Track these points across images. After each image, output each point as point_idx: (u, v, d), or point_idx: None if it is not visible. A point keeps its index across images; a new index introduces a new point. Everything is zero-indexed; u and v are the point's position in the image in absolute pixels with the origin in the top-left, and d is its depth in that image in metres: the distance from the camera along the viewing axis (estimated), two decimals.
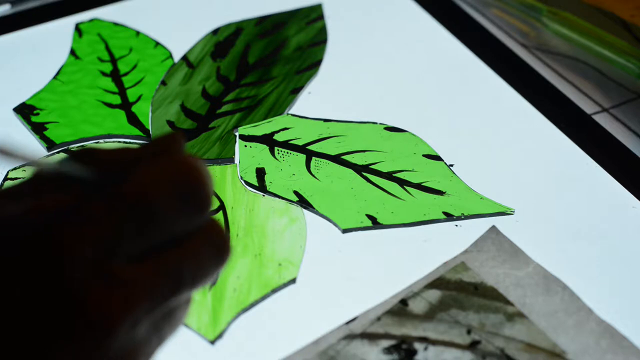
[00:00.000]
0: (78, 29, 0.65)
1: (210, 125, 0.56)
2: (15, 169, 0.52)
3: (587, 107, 0.59)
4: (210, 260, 0.28)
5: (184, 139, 0.30)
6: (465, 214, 0.49)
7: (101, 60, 0.61)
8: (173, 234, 0.27)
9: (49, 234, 0.24)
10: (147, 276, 0.25)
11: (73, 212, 0.25)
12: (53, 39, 0.64)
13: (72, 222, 0.24)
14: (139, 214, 0.25)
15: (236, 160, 0.53)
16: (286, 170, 0.52)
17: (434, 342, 0.42)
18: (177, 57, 0.62)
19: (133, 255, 0.25)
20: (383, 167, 0.52)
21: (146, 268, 0.26)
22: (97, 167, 0.27)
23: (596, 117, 0.58)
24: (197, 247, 0.27)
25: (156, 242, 0.26)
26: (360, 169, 0.52)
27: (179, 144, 0.29)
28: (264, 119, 0.56)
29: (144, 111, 0.57)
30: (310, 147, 0.54)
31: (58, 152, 0.53)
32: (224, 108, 0.57)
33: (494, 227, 0.48)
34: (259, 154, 0.53)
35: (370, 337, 0.42)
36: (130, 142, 0.54)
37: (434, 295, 0.44)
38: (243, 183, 0.51)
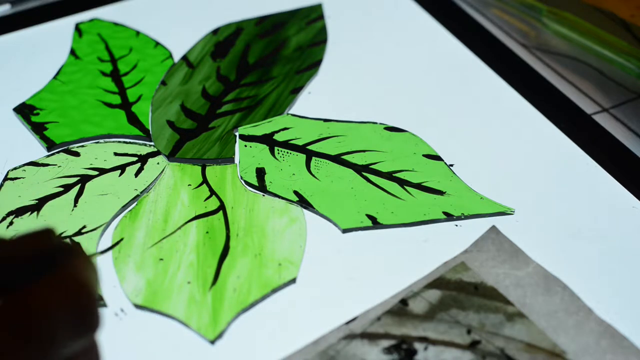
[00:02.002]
0: (78, 29, 0.65)
1: (210, 125, 0.56)
2: (15, 168, 0.52)
3: (587, 107, 0.59)
4: None
5: (56, 235, 0.28)
6: (465, 214, 0.49)
7: (101, 60, 0.61)
8: (63, 354, 0.26)
9: None
10: None
11: None
12: (53, 39, 0.64)
13: None
14: (31, 334, 0.24)
15: (236, 160, 0.53)
16: (286, 170, 0.52)
17: (434, 342, 0.42)
18: (177, 57, 0.62)
19: None
20: (383, 167, 0.52)
21: None
22: None
23: (596, 117, 0.58)
24: None
25: None
26: (360, 169, 0.52)
27: (53, 243, 0.28)
28: (264, 119, 0.56)
29: (144, 111, 0.57)
30: (310, 147, 0.54)
31: (58, 152, 0.53)
32: (224, 108, 0.57)
33: (494, 227, 0.48)
34: (259, 153, 0.53)
35: (370, 337, 0.42)
36: (130, 142, 0.54)
37: (434, 295, 0.44)
38: (243, 183, 0.51)
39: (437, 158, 0.53)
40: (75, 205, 0.49)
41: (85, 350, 0.27)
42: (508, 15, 0.68)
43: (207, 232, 0.48)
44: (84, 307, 0.26)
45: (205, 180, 0.52)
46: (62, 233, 0.48)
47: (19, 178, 0.51)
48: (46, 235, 0.28)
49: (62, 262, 0.27)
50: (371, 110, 0.57)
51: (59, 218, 0.49)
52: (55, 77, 0.60)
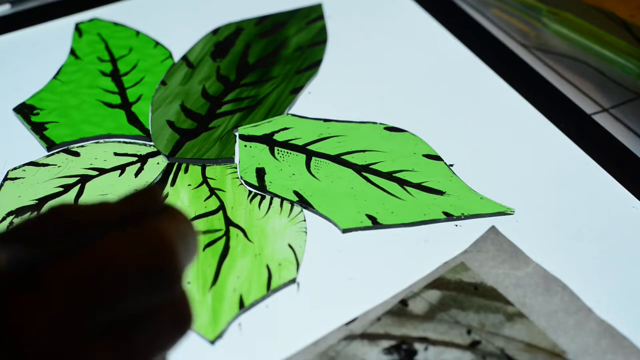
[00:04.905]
0: (78, 29, 0.65)
1: (210, 125, 0.56)
2: (15, 168, 0.52)
3: (587, 107, 0.59)
4: (170, 338, 0.27)
5: (162, 194, 0.29)
6: (465, 214, 0.49)
7: (101, 60, 0.61)
8: (137, 307, 0.26)
9: (7, 301, 0.23)
10: (105, 353, 0.24)
11: (34, 277, 0.24)
12: (53, 39, 0.64)
13: (33, 289, 0.24)
14: (101, 286, 0.24)
15: (236, 160, 0.53)
16: (286, 170, 0.52)
17: (434, 343, 0.42)
18: (177, 57, 0.62)
19: (93, 327, 0.24)
20: (383, 167, 0.52)
21: (104, 345, 0.25)
22: (63, 228, 0.26)
23: (596, 117, 0.58)
24: (160, 325, 0.26)
25: (118, 314, 0.25)
26: (360, 169, 0.52)
27: (157, 202, 0.28)
28: (264, 119, 0.56)
29: (144, 111, 0.57)
30: (310, 147, 0.54)
31: (58, 152, 0.53)
32: (224, 108, 0.57)
33: (493, 227, 0.48)
34: (259, 153, 0.53)
35: (370, 337, 0.42)
36: (130, 142, 0.54)
37: (434, 295, 0.44)
38: (243, 183, 0.51)
39: (437, 158, 0.53)
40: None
41: (168, 306, 0.27)
42: (508, 15, 0.68)
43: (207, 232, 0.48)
44: (160, 263, 0.26)
45: (205, 180, 0.52)
46: None
47: (19, 178, 0.51)
48: (148, 195, 0.28)
49: (150, 219, 0.27)
50: (371, 110, 0.57)
51: None
52: (55, 77, 0.60)
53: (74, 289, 0.24)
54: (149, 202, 0.28)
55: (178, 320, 0.27)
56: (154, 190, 0.28)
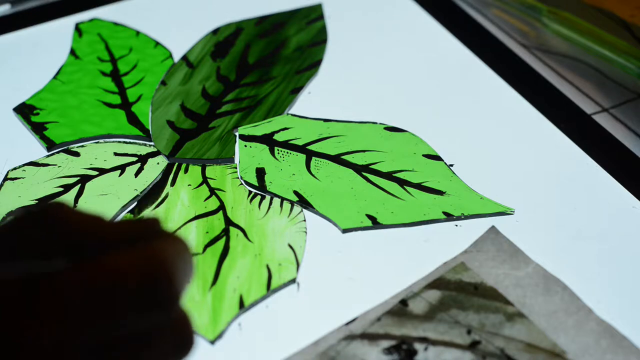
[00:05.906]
0: (78, 29, 0.65)
1: (210, 125, 0.56)
2: (15, 168, 0.52)
3: (587, 107, 0.59)
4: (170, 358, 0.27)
5: (160, 224, 0.29)
6: (465, 214, 0.49)
7: (101, 60, 0.61)
8: (136, 325, 0.25)
9: (3, 312, 0.23)
10: None
11: (28, 288, 0.24)
12: (53, 39, 0.64)
13: (27, 302, 0.23)
14: (99, 303, 0.24)
15: (236, 160, 0.53)
16: (286, 170, 0.52)
17: (434, 343, 0.42)
18: (177, 57, 0.62)
19: (87, 345, 0.24)
20: (383, 167, 0.52)
21: None
22: (60, 235, 0.26)
23: (596, 117, 0.58)
24: (160, 345, 0.26)
25: (115, 333, 0.25)
26: (360, 169, 0.52)
27: (154, 229, 0.28)
28: (264, 119, 0.56)
29: (144, 111, 0.57)
30: (310, 147, 0.54)
31: (58, 152, 0.53)
32: (224, 108, 0.57)
33: (493, 227, 0.48)
34: (259, 153, 0.53)
35: (370, 337, 0.42)
36: (130, 142, 0.54)
37: (434, 295, 0.44)
38: (243, 183, 0.51)
39: (437, 158, 0.53)
40: (75, 206, 0.49)
41: (168, 327, 0.27)
42: (508, 15, 0.68)
43: (207, 232, 0.48)
44: (155, 283, 0.26)
45: (205, 180, 0.52)
46: None
47: (19, 178, 0.51)
48: (151, 223, 0.29)
49: (147, 240, 0.27)
50: (371, 110, 0.57)
51: None
52: (55, 77, 0.60)
53: (73, 303, 0.24)
54: (147, 227, 0.28)
55: (178, 342, 0.27)
56: (153, 219, 0.29)
